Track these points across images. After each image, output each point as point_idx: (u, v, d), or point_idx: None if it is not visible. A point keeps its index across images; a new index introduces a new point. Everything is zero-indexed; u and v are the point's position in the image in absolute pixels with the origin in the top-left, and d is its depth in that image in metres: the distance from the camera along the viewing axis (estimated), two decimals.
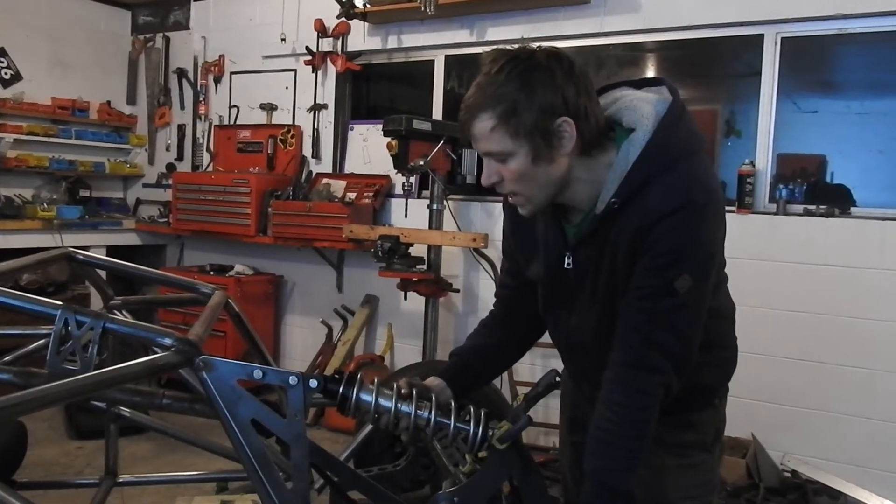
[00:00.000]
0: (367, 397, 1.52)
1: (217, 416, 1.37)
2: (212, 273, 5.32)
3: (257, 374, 1.39)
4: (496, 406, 3.33)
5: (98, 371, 1.25)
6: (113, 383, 1.29)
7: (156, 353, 1.41)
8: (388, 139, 4.05)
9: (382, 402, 1.52)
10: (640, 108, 1.49)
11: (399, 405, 1.52)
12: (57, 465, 3.88)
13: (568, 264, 1.58)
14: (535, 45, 1.45)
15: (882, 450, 3.54)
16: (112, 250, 5.43)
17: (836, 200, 3.75)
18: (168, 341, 1.34)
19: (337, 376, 1.53)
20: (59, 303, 1.38)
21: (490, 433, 1.50)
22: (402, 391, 1.54)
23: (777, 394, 3.75)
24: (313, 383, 1.44)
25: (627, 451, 1.47)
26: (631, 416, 1.47)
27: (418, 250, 4.28)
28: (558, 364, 1.80)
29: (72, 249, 1.94)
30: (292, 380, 1.41)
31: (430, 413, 1.52)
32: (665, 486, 1.65)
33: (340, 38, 5.10)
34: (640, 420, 1.47)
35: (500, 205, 1.73)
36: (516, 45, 1.46)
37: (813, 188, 3.89)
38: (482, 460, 1.54)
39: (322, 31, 5.09)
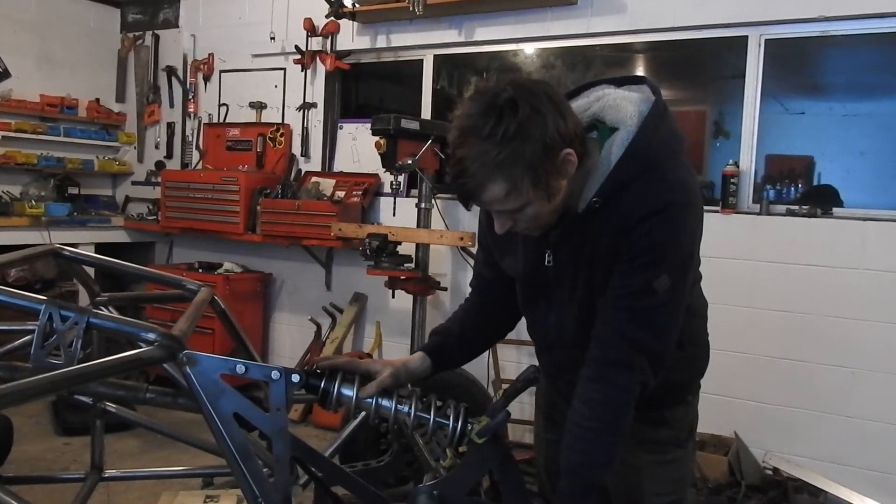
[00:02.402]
0: (349, 392, 1.54)
1: (200, 410, 1.38)
2: (200, 271, 5.32)
3: (240, 368, 1.40)
4: (479, 402, 3.36)
5: (81, 365, 1.26)
6: (96, 377, 1.29)
7: (140, 348, 1.42)
8: (377, 138, 4.06)
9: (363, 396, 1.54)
10: (624, 107, 1.49)
11: (380, 400, 1.54)
12: (43, 461, 3.88)
13: (549, 262, 1.59)
14: (497, 84, 1.39)
15: (862, 448, 3.58)
16: (100, 248, 5.41)
17: (826, 201, 3.78)
18: (152, 336, 1.35)
19: (319, 371, 1.56)
20: (44, 298, 1.38)
21: (469, 428, 1.52)
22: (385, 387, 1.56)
23: (759, 392, 3.79)
24: (295, 378, 1.45)
25: (604, 447, 1.49)
26: (608, 412, 1.49)
27: (406, 249, 4.30)
28: None
29: (58, 246, 1.94)
30: (275, 374, 1.42)
31: (410, 408, 1.54)
32: (640, 483, 1.67)
33: (329, 38, 5.11)
34: (617, 416, 1.49)
35: None
36: (483, 93, 1.39)
37: (802, 189, 3.92)
38: (462, 454, 1.56)
39: (311, 30, 5.10)
